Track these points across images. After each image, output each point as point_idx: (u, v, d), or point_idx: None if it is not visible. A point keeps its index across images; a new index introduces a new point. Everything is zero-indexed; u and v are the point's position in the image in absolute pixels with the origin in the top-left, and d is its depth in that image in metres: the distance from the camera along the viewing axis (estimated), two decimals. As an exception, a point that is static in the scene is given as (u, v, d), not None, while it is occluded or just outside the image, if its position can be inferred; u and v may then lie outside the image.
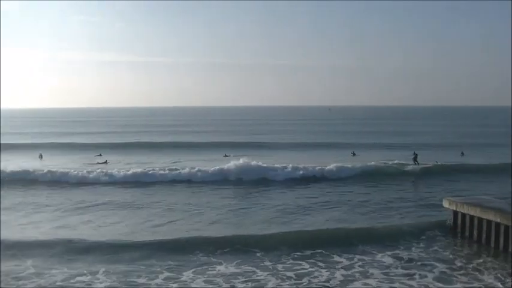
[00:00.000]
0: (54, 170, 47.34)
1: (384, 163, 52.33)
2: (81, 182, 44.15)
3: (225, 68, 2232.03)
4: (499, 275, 20.71)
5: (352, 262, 22.38)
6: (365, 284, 19.95)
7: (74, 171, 47.03)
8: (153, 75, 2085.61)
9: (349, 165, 49.22)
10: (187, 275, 20.96)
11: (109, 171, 47.20)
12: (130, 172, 46.53)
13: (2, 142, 76.42)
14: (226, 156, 62.18)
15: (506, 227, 23.37)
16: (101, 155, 64.59)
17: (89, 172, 46.88)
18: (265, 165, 48.21)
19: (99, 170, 48.00)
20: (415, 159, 52.60)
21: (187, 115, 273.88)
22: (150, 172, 46.71)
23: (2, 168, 46.42)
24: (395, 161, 53.18)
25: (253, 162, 47.86)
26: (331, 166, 48.36)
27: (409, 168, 50.34)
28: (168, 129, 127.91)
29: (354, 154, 64.27)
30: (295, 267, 21.78)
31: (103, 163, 57.37)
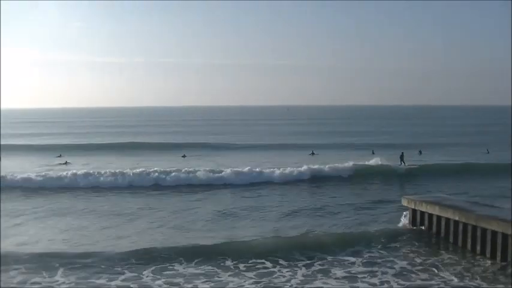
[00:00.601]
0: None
1: (363, 163, 51.05)
2: (27, 186, 41.99)
3: (223, 68, 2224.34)
4: (457, 270, 21.06)
5: (313, 261, 22.42)
6: (325, 283, 20.00)
7: (22, 174, 44.93)
8: (153, 76, 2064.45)
9: (320, 166, 48.68)
10: (147, 274, 20.76)
11: (61, 173, 45.31)
12: (81, 174, 44.93)
13: None
14: (184, 156, 63.33)
15: (465, 225, 23.78)
16: (60, 155, 63.53)
17: (39, 175, 44.73)
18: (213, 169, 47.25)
19: (51, 172, 46.42)
20: (401, 158, 51.34)
21: (174, 115, 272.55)
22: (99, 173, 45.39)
23: None
24: (376, 160, 51.84)
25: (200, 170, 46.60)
26: (291, 168, 47.64)
27: (394, 168, 49.70)
28: (145, 130, 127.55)
29: (313, 154, 64.78)
30: (257, 266, 21.73)
31: (63, 164, 56.46)
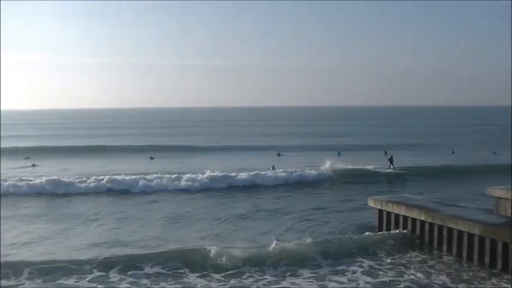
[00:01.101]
0: None
1: (343, 166, 49.62)
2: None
3: (221, 69, 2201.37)
4: (423, 268, 21.34)
5: (281, 258, 22.41)
6: (294, 283, 20.02)
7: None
8: (150, 77, 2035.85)
9: (299, 169, 47.64)
10: (113, 274, 20.56)
11: (20, 179, 43.43)
12: (44, 179, 42.75)
13: None
14: (151, 158, 64.17)
15: (431, 224, 24.07)
16: (28, 157, 62.49)
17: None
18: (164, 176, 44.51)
19: (16, 178, 44.42)
20: (390, 161, 49.73)
21: (165, 116, 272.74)
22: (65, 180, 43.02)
23: None
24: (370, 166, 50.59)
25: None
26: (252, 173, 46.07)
27: (383, 172, 48.58)
28: (128, 132, 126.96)
29: (279, 155, 65.82)
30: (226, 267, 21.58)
31: (30, 166, 55.49)
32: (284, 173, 46.66)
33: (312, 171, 47.43)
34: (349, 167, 49.86)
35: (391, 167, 49.57)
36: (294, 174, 46.59)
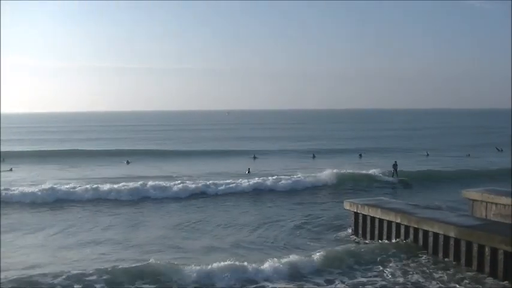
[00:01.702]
0: None
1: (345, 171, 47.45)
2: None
3: (220, 72, 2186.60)
4: (399, 266, 21.68)
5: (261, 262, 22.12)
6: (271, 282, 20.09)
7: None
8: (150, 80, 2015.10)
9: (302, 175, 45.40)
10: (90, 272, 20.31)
11: None
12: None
13: None
14: (128, 163, 63.69)
15: (407, 227, 24.29)
16: (3, 159, 61.54)
17: None
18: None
19: None
20: (394, 168, 47.32)
21: (159, 120, 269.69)
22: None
23: None
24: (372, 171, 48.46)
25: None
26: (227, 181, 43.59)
27: (389, 179, 46.29)
28: (110, 136, 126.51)
29: (254, 158, 66.87)
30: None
31: (8, 171, 54.57)
32: (281, 178, 44.06)
33: (308, 176, 45.01)
34: (350, 171, 47.86)
35: (395, 173, 47.19)
36: (286, 180, 43.79)
